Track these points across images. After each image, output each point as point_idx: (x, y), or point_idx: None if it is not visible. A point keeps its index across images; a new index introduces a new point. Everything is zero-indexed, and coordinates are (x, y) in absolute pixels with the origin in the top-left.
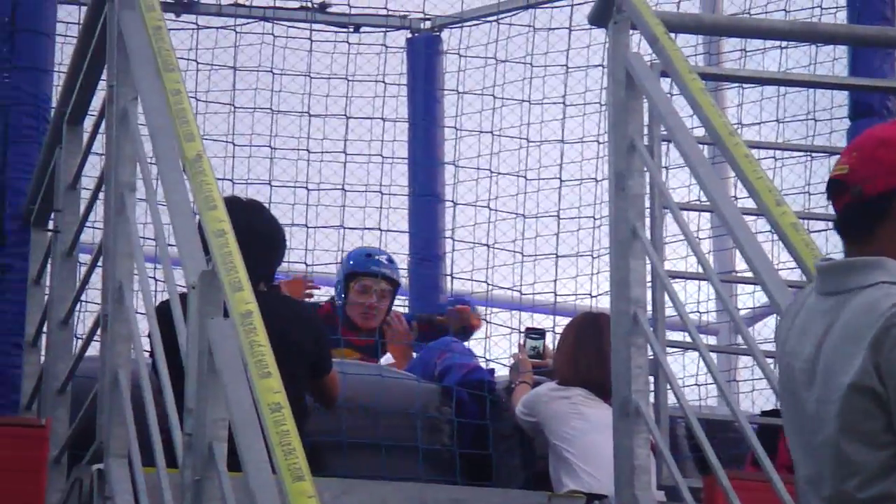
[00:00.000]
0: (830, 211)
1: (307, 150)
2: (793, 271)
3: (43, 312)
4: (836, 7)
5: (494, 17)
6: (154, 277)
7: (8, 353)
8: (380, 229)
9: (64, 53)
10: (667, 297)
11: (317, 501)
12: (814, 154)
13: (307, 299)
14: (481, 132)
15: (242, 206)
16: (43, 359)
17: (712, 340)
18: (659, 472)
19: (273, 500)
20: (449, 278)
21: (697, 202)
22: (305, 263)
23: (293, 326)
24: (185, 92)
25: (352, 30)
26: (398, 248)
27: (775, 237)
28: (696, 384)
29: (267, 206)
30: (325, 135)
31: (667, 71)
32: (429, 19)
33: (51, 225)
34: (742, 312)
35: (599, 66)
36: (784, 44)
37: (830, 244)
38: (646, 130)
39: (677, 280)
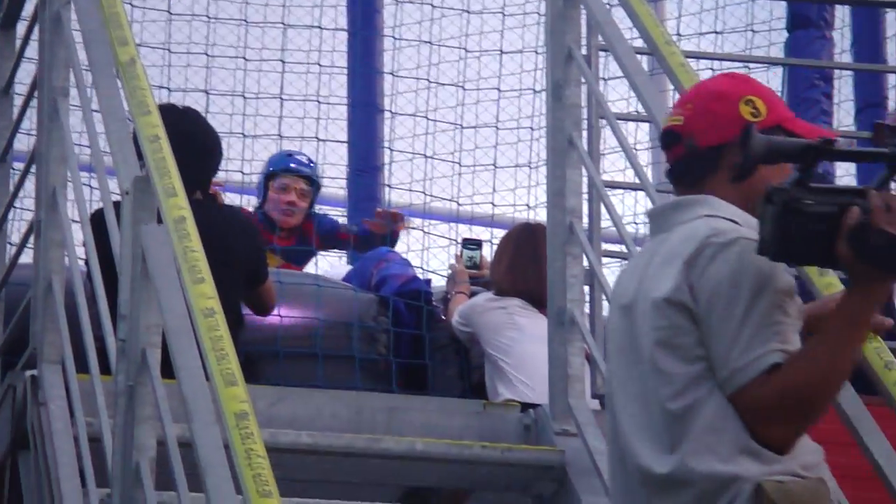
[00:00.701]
0: None
1: (244, 58)
2: None
3: None
4: None
5: None
6: (89, 185)
7: None
8: (318, 139)
9: None
10: (603, 208)
11: (249, 406)
12: (751, 65)
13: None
14: (420, 42)
15: (178, 114)
16: None
17: None
18: (593, 382)
19: (206, 405)
20: (387, 189)
21: (636, 113)
22: (242, 173)
23: (229, 234)
24: None
25: None
26: (336, 160)
27: None
28: None
29: (204, 115)
30: (263, 44)
31: None
32: None
33: None
34: None
35: None
36: None
37: None
38: (584, 41)
39: (614, 191)
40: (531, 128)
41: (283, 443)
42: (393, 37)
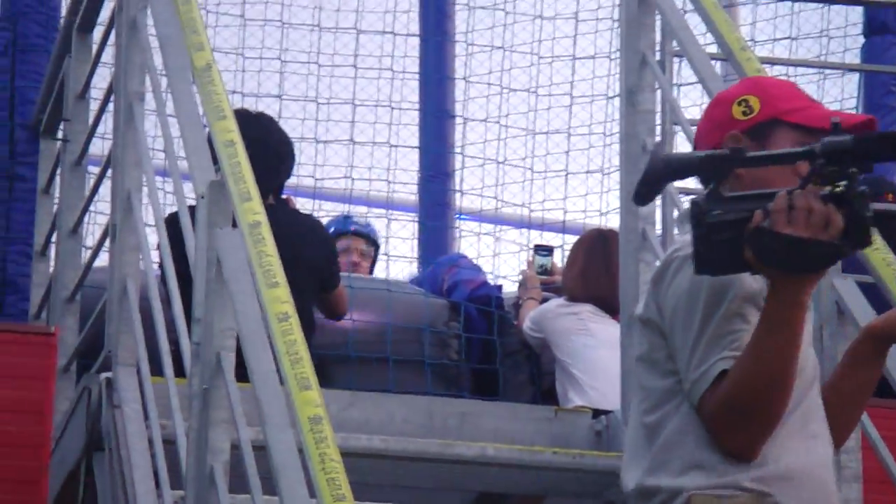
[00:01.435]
0: None
1: (318, 63)
2: None
3: (52, 222)
4: None
5: None
6: (163, 189)
7: (17, 261)
8: (390, 145)
9: None
10: (676, 214)
11: (323, 410)
12: (827, 72)
13: None
14: (493, 48)
15: (252, 119)
16: (52, 268)
17: None
18: None
19: (280, 409)
20: (458, 195)
21: None
22: (315, 178)
23: (302, 239)
24: (195, 1)
25: None
26: (408, 165)
27: None
28: None
29: (277, 120)
30: (335, 50)
31: None
32: None
33: (60, 134)
34: None
35: None
36: None
37: None
38: (658, 46)
39: (687, 197)
40: (603, 133)
41: (355, 447)
42: (465, 42)
